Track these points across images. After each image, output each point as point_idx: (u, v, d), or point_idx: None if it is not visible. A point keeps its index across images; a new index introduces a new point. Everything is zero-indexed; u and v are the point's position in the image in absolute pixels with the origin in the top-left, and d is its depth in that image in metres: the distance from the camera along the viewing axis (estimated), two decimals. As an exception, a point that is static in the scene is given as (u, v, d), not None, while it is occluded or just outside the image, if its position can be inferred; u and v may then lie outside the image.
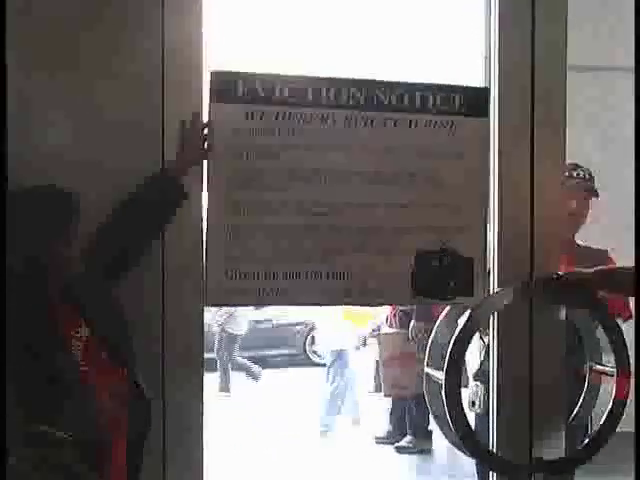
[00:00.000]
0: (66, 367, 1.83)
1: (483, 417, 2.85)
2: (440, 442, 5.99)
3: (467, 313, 2.57)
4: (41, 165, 2.22)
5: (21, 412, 1.47)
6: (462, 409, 2.57)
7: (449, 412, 2.54)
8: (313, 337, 11.12)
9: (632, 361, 2.66)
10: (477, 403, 3.03)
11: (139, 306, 2.32)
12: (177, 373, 2.40)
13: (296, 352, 11.01)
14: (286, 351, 10.98)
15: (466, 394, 3.64)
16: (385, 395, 6.42)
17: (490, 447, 2.69)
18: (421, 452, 6.17)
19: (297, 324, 11.03)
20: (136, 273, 2.28)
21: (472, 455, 2.65)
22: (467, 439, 2.59)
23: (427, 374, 2.79)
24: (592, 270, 2.63)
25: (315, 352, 11.09)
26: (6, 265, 1.81)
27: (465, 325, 2.54)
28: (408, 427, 6.27)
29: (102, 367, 1.91)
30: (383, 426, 6.57)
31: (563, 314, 2.73)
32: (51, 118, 2.32)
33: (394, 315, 6.16)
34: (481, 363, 3.07)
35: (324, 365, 10.80)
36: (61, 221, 1.92)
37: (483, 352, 3.05)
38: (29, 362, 1.73)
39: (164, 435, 2.38)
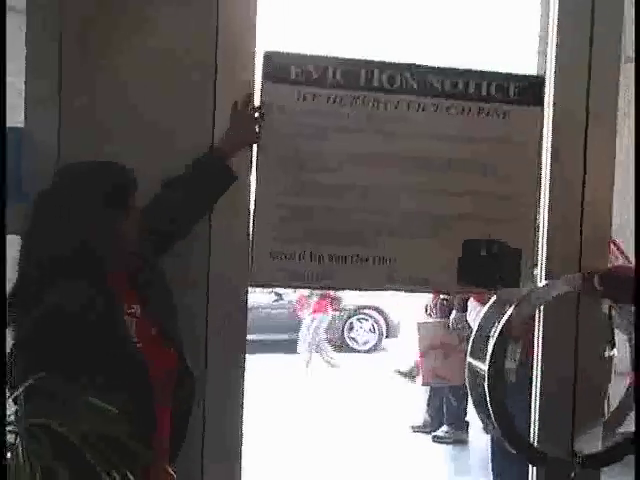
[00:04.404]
0: (122, 343, 1.85)
1: None
2: (476, 433, 5.97)
3: (513, 304, 2.54)
4: (90, 145, 2.23)
5: (73, 385, 1.48)
6: (504, 401, 2.55)
7: (491, 403, 2.51)
8: (351, 323, 11.13)
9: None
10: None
11: (185, 284, 2.34)
12: (221, 353, 2.42)
13: (333, 337, 11.01)
14: (324, 336, 10.98)
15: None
16: (423, 384, 6.41)
17: (531, 440, 2.67)
18: (457, 443, 6.16)
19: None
20: (183, 252, 2.30)
21: (512, 447, 2.62)
22: (508, 431, 2.57)
23: (470, 364, 2.76)
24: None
25: (353, 338, 11.10)
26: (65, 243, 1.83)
27: (511, 316, 2.51)
28: (445, 417, 6.26)
29: (152, 343, 1.93)
30: (420, 415, 6.56)
31: (607, 309, 2.69)
32: (99, 99, 2.33)
33: (435, 304, 6.14)
34: None
35: (360, 351, 10.87)
36: (121, 197, 1.92)
37: None
38: (85, 335, 1.75)
39: (204, 413, 2.40)
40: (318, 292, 8.96)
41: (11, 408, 1.42)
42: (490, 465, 3.96)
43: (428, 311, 6.30)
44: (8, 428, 1.36)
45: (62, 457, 1.32)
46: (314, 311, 9.46)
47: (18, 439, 1.33)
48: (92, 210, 1.86)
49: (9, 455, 1.32)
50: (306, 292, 9.16)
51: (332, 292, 9.11)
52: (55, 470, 1.24)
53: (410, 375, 6.62)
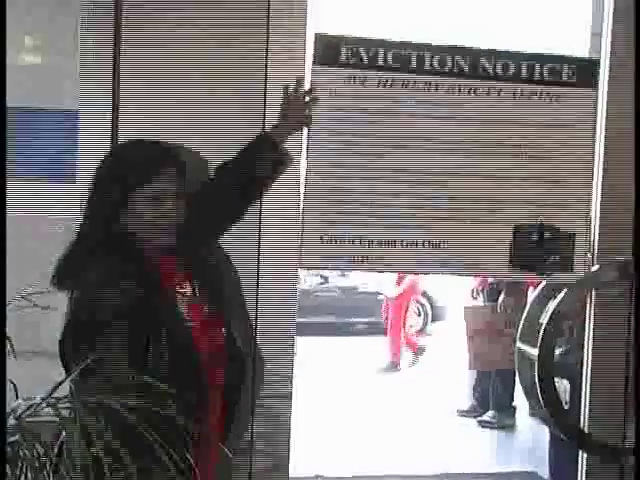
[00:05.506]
0: (173, 321, 1.87)
1: None
2: (523, 419, 5.93)
3: (565, 289, 2.51)
4: (143, 128, 2.25)
5: (127, 364, 1.51)
6: (554, 386, 2.53)
7: (541, 388, 2.50)
8: (398, 305, 11.10)
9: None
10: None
11: (236, 267, 2.36)
12: (271, 335, 2.44)
13: (376, 321, 11.01)
14: (367, 319, 10.98)
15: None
16: (470, 368, 6.38)
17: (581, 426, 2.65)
18: (503, 428, 6.12)
19: (380, 293, 11.01)
20: (234, 235, 2.31)
21: (562, 433, 2.60)
22: (558, 416, 2.55)
23: (519, 349, 2.75)
24: None
25: (399, 321, 11.07)
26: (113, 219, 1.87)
27: (562, 301, 2.49)
28: (491, 402, 6.23)
29: (203, 322, 1.95)
30: (467, 399, 6.54)
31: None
32: (151, 81, 2.35)
33: (482, 288, 6.09)
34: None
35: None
36: (170, 174, 1.94)
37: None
38: (136, 314, 1.77)
39: (253, 395, 2.43)
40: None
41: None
42: (547, 450, 3.92)
43: (473, 294, 6.25)
44: (63, 405, 1.38)
45: (117, 435, 1.34)
46: None
47: (73, 415, 1.35)
48: (113, 188, 1.90)
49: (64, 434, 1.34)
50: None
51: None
52: (112, 446, 1.27)
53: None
